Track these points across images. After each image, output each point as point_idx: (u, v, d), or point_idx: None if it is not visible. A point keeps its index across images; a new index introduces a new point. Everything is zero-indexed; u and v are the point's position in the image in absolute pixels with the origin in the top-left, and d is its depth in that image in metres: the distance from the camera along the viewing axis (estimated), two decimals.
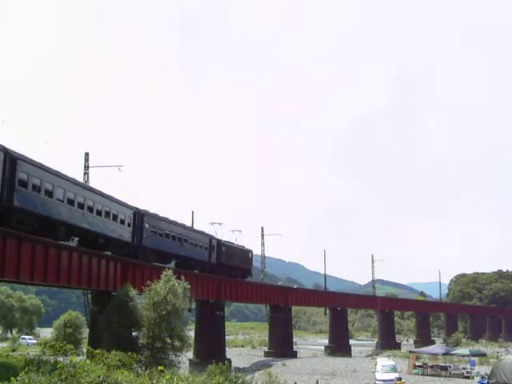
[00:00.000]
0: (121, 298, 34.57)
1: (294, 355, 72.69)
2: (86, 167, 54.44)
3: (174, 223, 48.14)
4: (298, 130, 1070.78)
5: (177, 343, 33.99)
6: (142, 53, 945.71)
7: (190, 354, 49.97)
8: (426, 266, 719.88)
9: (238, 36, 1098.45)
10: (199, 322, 58.81)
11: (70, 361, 17.97)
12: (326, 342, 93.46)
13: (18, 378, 15.08)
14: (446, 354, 54.21)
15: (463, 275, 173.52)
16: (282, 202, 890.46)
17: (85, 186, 36.85)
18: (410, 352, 58.82)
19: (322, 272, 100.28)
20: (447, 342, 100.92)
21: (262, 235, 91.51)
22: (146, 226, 42.98)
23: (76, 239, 34.13)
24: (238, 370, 40.85)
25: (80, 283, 35.90)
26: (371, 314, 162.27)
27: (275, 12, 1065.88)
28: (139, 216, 42.30)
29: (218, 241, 57.85)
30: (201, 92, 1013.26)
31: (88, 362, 21.81)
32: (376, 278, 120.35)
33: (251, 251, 67.43)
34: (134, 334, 34.19)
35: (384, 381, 38.02)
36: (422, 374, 50.98)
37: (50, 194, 31.39)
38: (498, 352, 77.76)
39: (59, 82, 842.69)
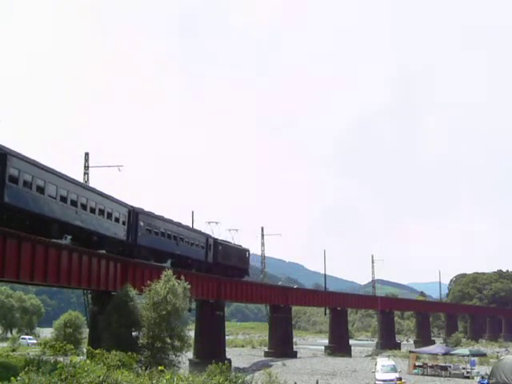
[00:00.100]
0: (121, 297, 34.59)
1: (294, 355, 72.71)
2: (86, 167, 54.44)
3: (170, 221, 47.27)
4: (297, 129, 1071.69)
5: (177, 343, 34.00)
6: (141, 53, 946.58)
7: (190, 354, 49.98)
8: (426, 266, 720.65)
9: (238, 36, 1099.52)
10: (199, 322, 58.83)
11: (70, 361, 17.98)
12: (326, 341, 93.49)
13: (18, 378, 15.08)
14: (445, 353, 54.23)
15: (463, 275, 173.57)
16: (281, 202, 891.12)
17: (78, 183, 35.77)
18: (410, 352, 58.83)
19: (322, 272, 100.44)
20: (447, 342, 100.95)
21: (262, 235, 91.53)
22: (141, 224, 42.19)
23: (69, 237, 33.68)
24: (238, 370, 40.85)
25: (80, 283, 35.90)
26: (371, 314, 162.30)
27: (275, 12, 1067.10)
28: (134, 214, 41.52)
29: (215, 240, 57.13)
30: (201, 92, 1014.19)
31: (88, 361, 21.82)
32: (376, 277, 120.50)
33: (248, 250, 66.58)
34: (134, 333, 34.22)
35: (384, 381, 38.01)
36: (422, 374, 50.99)
37: (41, 190, 30.49)
38: (498, 352, 77.78)
39: (59, 82, 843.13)
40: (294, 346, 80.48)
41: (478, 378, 43.21)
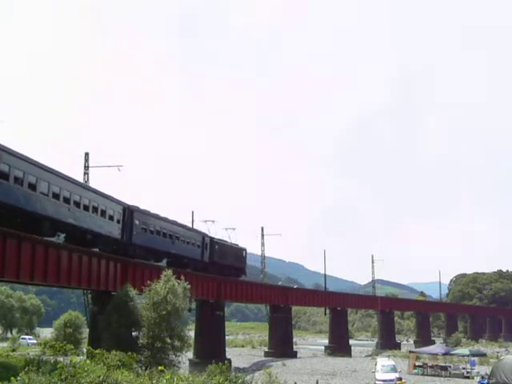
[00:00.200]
0: (121, 297, 34.57)
1: (294, 355, 72.69)
2: (86, 167, 54.41)
3: (166, 220, 46.46)
4: (297, 129, 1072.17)
5: (177, 343, 33.97)
6: (141, 53, 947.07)
7: (190, 354, 49.96)
8: (426, 266, 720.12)
9: (238, 36, 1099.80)
10: (199, 322, 58.82)
11: (70, 361, 17.97)
12: (326, 341, 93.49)
13: (18, 378, 15.08)
14: (446, 353, 54.22)
15: (463, 275, 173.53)
16: (281, 202, 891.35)
17: (71, 180, 34.48)
18: (410, 352, 58.83)
19: (322, 272, 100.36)
20: (447, 342, 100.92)
21: (262, 235, 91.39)
22: (136, 222, 41.39)
23: (63, 235, 33.17)
24: (238, 370, 40.85)
25: (80, 283, 35.88)
26: (371, 314, 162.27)
27: (275, 12, 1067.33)
28: (129, 212, 40.71)
29: (211, 239, 56.23)
30: (201, 92, 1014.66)
31: (88, 361, 21.81)
32: (376, 277, 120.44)
33: (245, 249, 65.60)
34: (134, 333, 34.19)
35: (384, 381, 38.00)
36: (422, 374, 50.99)
37: (33, 187, 29.53)
38: (498, 352, 77.76)
39: (59, 82, 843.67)
40: (294, 346, 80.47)
41: (477, 378, 43.21)
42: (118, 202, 40.10)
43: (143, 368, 28.50)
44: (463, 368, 51.13)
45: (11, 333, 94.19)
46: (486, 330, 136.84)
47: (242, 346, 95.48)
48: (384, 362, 42.97)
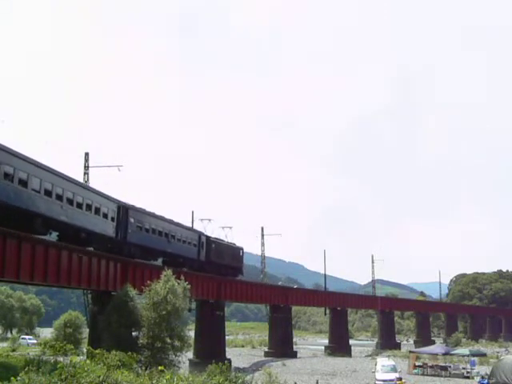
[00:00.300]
0: (121, 298, 34.56)
1: (294, 355, 72.70)
2: (86, 167, 54.44)
3: (161, 218, 45.73)
4: (298, 129, 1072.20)
5: (177, 343, 33.95)
6: (142, 53, 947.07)
7: (190, 354, 49.95)
8: (426, 266, 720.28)
9: (238, 36, 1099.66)
10: (199, 322, 58.81)
11: (70, 361, 17.98)
12: (326, 341, 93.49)
13: (18, 378, 15.08)
14: (446, 353, 54.22)
15: (463, 275, 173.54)
16: (282, 202, 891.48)
17: (64, 177, 33.26)
18: (410, 352, 58.83)
19: (322, 272, 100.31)
20: (447, 342, 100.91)
21: (262, 235, 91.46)
22: (131, 220, 40.58)
23: (56, 234, 32.71)
24: (238, 369, 40.89)
25: (80, 283, 35.86)
26: (371, 314, 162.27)
27: (275, 12, 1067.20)
28: (124, 210, 39.87)
29: (208, 237, 55.51)
30: (201, 92, 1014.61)
31: (88, 361, 21.82)
32: (376, 277, 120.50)
33: (242, 248, 64.74)
34: (134, 333, 34.19)
35: (384, 381, 38.00)
36: (422, 374, 51.00)
37: (24, 183, 28.62)
38: (498, 352, 77.77)
39: (59, 82, 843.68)
40: (294, 346, 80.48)
41: (478, 378, 43.22)
42: (113, 200, 39.28)
43: (143, 368, 28.50)
44: (463, 368, 51.14)
45: (11, 333, 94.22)
46: (486, 330, 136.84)
47: (242, 346, 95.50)
48: (384, 362, 42.97)
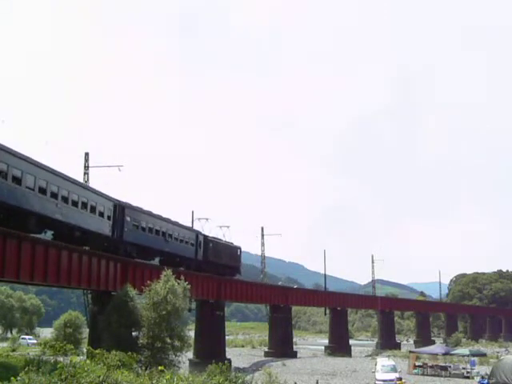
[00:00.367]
0: (121, 298, 34.56)
1: (294, 355, 72.70)
2: (86, 167, 54.42)
3: (159, 217, 45.25)
4: (298, 129, 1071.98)
5: (177, 343, 33.95)
6: (142, 53, 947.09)
7: (190, 354, 49.94)
8: (426, 266, 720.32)
9: (238, 36, 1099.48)
10: (199, 322, 58.81)
11: (70, 361, 17.98)
12: (326, 341, 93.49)
13: (18, 378, 15.08)
14: (446, 353, 54.22)
15: (463, 275, 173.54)
16: (282, 202, 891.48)
17: (59, 174, 32.49)
18: (410, 352, 58.83)
19: (322, 272, 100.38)
20: (447, 342, 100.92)
21: (262, 235, 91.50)
22: (128, 219, 40.08)
23: (51, 232, 32.37)
24: (238, 370, 40.89)
25: (80, 283, 35.85)
26: (371, 314, 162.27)
27: (275, 12, 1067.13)
28: (120, 208, 39.34)
29: (205, 237, 54.98)
30: (201, 92, 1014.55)
31: (88, 361, 21.82)
32: (376, 277, 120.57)
33: (240, 248, 64.33)
34: (134, 333, 34.19)
35: (384, 381, 38.00)
36: (422, 374, 50.99)
37: (18, 181, 28.06)
38: (498, 352, 77.77)
39: (59, 82, 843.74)
40: (294, 346, 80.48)
41: (478, 378, 43.22)
42: (109, 198, 38.84)
43: (143, 368, 28.51)
44: (463, 368, 51.14)
45: (11, 333, 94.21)
46: (486, 330, 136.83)
47: (242, 346, 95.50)
48: (384, 362, 42.97)
